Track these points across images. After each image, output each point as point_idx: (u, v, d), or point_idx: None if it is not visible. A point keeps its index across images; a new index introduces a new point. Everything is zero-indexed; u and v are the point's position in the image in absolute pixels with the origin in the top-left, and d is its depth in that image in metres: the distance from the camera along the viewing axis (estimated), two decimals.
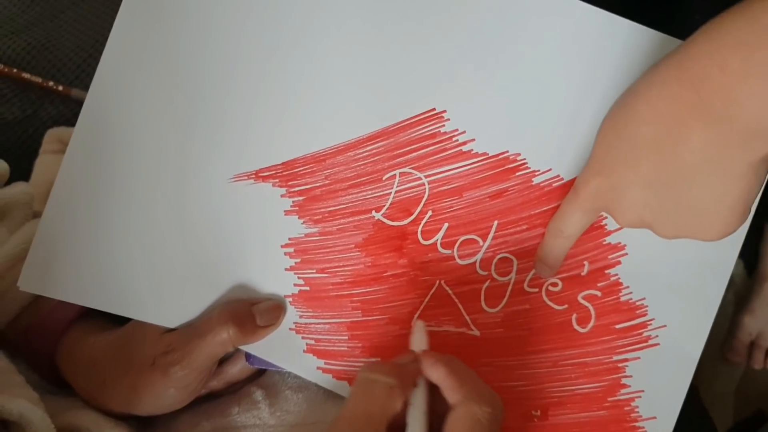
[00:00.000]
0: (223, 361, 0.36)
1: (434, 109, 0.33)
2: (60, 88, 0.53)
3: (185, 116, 0.34)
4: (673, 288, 0.32)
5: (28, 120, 0.52)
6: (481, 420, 0.27)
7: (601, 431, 0.32)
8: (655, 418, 0.32)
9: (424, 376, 0.29)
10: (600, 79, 0.32)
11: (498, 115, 0.33)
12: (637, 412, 0.32)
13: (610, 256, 0.33)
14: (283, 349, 0.34)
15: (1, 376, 0.31)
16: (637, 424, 0.32)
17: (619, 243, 0.33)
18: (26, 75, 0.53)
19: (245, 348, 0.34)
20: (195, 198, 0.34)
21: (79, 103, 0.52)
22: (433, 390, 0.29)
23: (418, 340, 0.31)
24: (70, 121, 0.52)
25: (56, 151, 0.48)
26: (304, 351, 0.34)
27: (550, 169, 0.33)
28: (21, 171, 0.40)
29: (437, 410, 0.28)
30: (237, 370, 0.36)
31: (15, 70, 0.53)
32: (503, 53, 0.33)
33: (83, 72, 0.54)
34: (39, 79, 0.53)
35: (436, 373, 0.29)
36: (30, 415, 0.29)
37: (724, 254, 0.32)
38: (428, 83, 0.33)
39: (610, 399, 0.32)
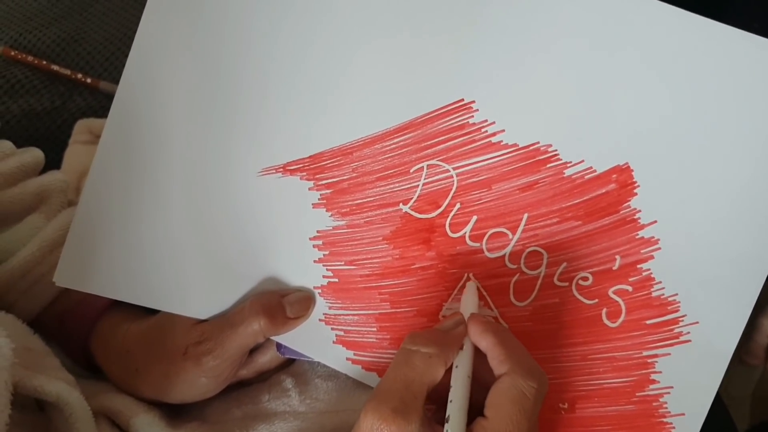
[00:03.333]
0: (254, 350, 0.37)
1: (463, 100, 0.33)
2: (89, 80, 0.53)
3: (213, 110, 0.34)
4: (707, 284, 0.32)
5: (56, 111, 0.52)
6: (527, 394, 0.27)
7: (628, 426, 0.32)
8: (683, 414, 0.32)
9: (470, 339, 0.29)
10: (634, 66, 0.31)
11: (528, 105, 0.32)
12: (666, 407, 0.32)
13: (642, 251, 0.32)
14: (313, 339, 0.35)
15: (38, 359, 0.32)
16: (665, 419, 0.32)
17: (653, 237, 0.32)
18: (55, 67, 0.53)
19: (276, 338, 0.35)
20: (224, 191, 0.35)
21: (108, 96, 0.53)
22: (479, 357, 0.29)
23: (469, 303, 0.31)
24: (98, 112, 0.52)
25: (86, 142, 0.48)
26: (333, 342, 0.35)
27: (582, 161, 0.32)
28: (50, 161, 0.41)
29: (480, 379, 0.28)
30: (267, 359, 0.37)
31: (45, 62, 0.53)
32: (533, 41, 0.32)
33: (111, 65, 0.54)
34: (68, 71, 0.53)
35: (484, 341, 0.29)
36: (67, 397, 0.30)
37: (762, 251, 0.31)
38: (457, 73, 0.33)
39: (638, 394, 0.32)
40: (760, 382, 0.64)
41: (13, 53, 0.54)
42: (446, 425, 0.27)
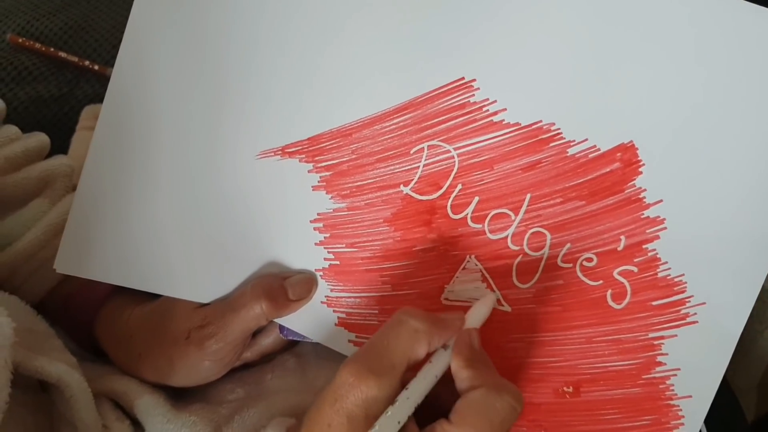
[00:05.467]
0: (257, 333, 0.37)
1: (463, 78, 0.32)
2: (96, 67, 0.54)
3: (210, 93, 0.34)
4: (714, 264, 0.31)
5: (64, 98, 0.53)
6: (498, 408, 0.26)
7: (634, 409, 0.32)
8: (690, 396, 0.31)
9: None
10: (638, 42, 0.30)
11: (531, 83, 0.32)
12: (673, 390, 0.31)
13: (648, 231, 0.32)
14: (316, 322, 0.35)
15: (40, 340, 0.32)
16: (672, 402, 0.31)
17: (658, 217, 0.31)
18: (63, 54, 0.54)
19: (278, 321, 0.35)
20: (223, 175, 0.35)
21: None
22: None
23: (476, 314, 0.30)
24: None
25: (93, 128, 0.49)
26: (335, 324, 0.35)
27: (586, 139, 0.32)
28: (56, 147, 0.41)
29: (444, 398, 0.28)
30: (270, 341, 0.37)
31: (52, 49, 0.54)
32: (534, 18, 0.31)
33: (118, 52, 0.54)
34: (75, 59, 0.53)
35: (454, 362, 0.28)
36: (68, 378, 0.30)
37: None
38: (456, 51, 0.32)
39: (644, 376, 0.32)
40: (766, 374, 0.63)
41: (20, 40, 0.54)
42: (390, 407, 0.26)
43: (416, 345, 0.27)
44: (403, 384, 0.27)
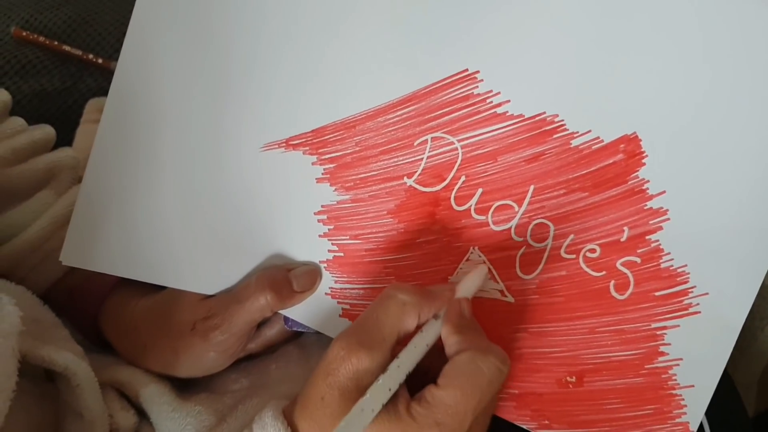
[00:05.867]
0: (262, 324, 0.37)
1: (467, 70, 0.32)
2: (99, 60, 0.54)
3: (214, 85, 0.34)
4: (716, 255, 0.31)
5: (67, 91, 0.53)
6: (484, 371, 0.26)
7: (637, 398, 0.32)
8: (693, 386, 0.31)
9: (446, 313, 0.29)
10: (642, 33, 0.31)
11: (534, 75, 0.32)
12: (675, 380, 0.32)
13: (651, 222, 0.32)
14: (320, 313, 0.35)
15: (47, 329, 0.33)
16: (674, 392, 0.32)
17: (661, 208, 0.31)
18: (66, 47, 0.54)
19: (283, 312, 0.35)
20: (228, 167, 0.35)
21: None
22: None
23: (469, 283, 0.31)
24: None
25: (97, 121, 0.48)
26: (339, 315, 0.35)
27: (589, 131, 0.32)
28: (61, 140, 0.41)
29: (435, 366, 0.28)
30: (274, 332, 0.37)
31: (56, 43, 0.54)
32: (538, 9, 0.31)
33: (122, 46, 0.54)
34: (79, 52, 0.54)
35: (444, 329, 0.29)
36: (75, 367, 0.30)
37: None
38: (460, 42, 0.32)
39: (647, 366, 0.32)
40: (767, 369, 0.63)
41: (24, 34, 0.54)
42: (380, 375, 0.26)
43: (405, 317, 0.28)
44: (394, 356, 0.28)
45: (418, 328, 0.29)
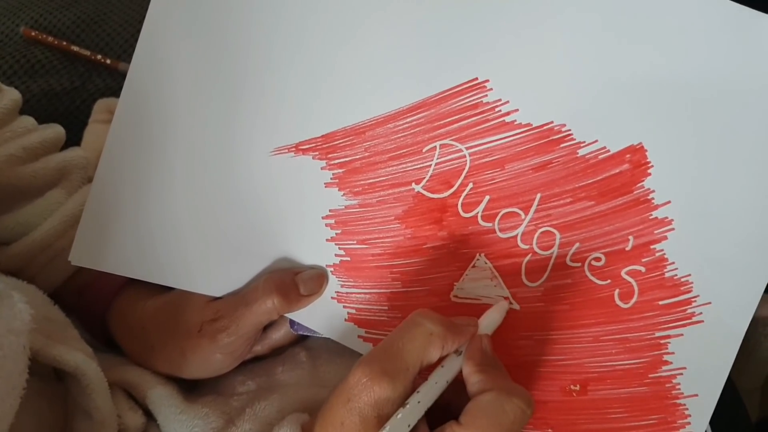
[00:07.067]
0: (268, 327, 0.37)
1: (476, 79, 0.33)
2: (108, 61, 0.54)
3: (226, 90, 0.35)
4: (720, 265, 0.31)
5: (76, 91, 0.53)
6: (507, 412, 0.26)
7: (641, 408, 0.32)
8: (696, 395, 0.32)
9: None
10: (648, 45, 0.31)
11: (543, 85, 0.32)
12: (679, 389, 0.32)
13: (656, 231, 0.32)
14: (326, 317, 0.35)
15: (58, 329, 0.33)
16: (678, 401, 0.32)
17: (666, 218, 0.32)
18: (75, 48, 0.54)
19: (289, 315, 0.35)
20: (238, 171, 0.35)
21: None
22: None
23: (488, 321, 0.31)
24: (117, 93, 0.52)
25: (105, 121, 0.49)
26: (345, 319, 0.35)
27: (596, 141, 0.32)
28: (68, 140, 0.42)
29: (454, 404, 0.28)
30: (281, 335, 0.38)
31: (65, 43, 0.54)
32: (548, 20, 0.32)
33: (131, 47, 0.54)
34: (87, 52, 0.54)
35: (466, 366, 0.29)
36: (85, 367, 0.30)
37: None
38: (470, 51, 0.33)
39: (651, 375, 0.32)
40: None
41: (33, 34, 0.54)
42: (401, 409, 0.27)
43: (430, 348, 0.28)
44: (415, 385, 0.28)
45: (440, 359, 0.29)
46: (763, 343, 0.64)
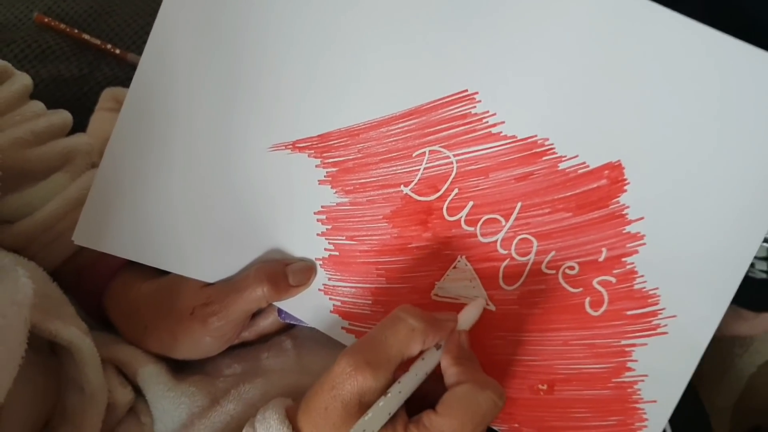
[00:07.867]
0: (257, 314, 0.39)
1: (466, 91, 0.34)
2: (117, 51, 0.55)
3: (229, 87, 0.36)
4: (687, 280, 0.33)
5: (84, 78, 0.54)
6: (481, 404, 0.28)
7: (603, 409, 0.34)
8: (655, 401, 0.33)
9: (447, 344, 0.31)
10: (632, 65, 0.32)
11: (529, 99, 0.34)
12: (639, 394, 0.33)
13: (628, 245, 0.34)
14: (312, 307, 0.37)
15: (55, 305, 0.34)
16: (638, 405, 0.34)
17: (639, 233, 0.33)
18: (86, 36, 0.55)
19: (277, 304, 0.37)
20: (236, 164, 0.37)
21: (134, 67, 0.55)
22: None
23: (466, 317, 0.33)
24: (124, 82, 0.54)
25: (111, 109, 0.51)
26: (330, 311, 0.37)
27: (576, 156, 0.34)
28: (75, 125, 0.43)
29: (432, 393, 0.30)
30: (268, 323, 0.39)
31: (76, 31, 0.56)
32: (538, 37, 0.33)
33: (140, 38, 0.56)
34: (98, 41, 0.55)
35: (444, 359, 0.30)
36: (79, 343, 0.32)
37: (743, 250, 0.32)
38: (462, 64, 0.34)
39: (614, 380, 0.34)
40: (743, 394, 0.65)
41: (46, 20, 0.56)
42: (382, 398, 0.28)
43: (411, 342, 0.29)
44: (396, 376, 0.29)
45: (421, 352, 0.30)
46: (738, 363, 0.65)
